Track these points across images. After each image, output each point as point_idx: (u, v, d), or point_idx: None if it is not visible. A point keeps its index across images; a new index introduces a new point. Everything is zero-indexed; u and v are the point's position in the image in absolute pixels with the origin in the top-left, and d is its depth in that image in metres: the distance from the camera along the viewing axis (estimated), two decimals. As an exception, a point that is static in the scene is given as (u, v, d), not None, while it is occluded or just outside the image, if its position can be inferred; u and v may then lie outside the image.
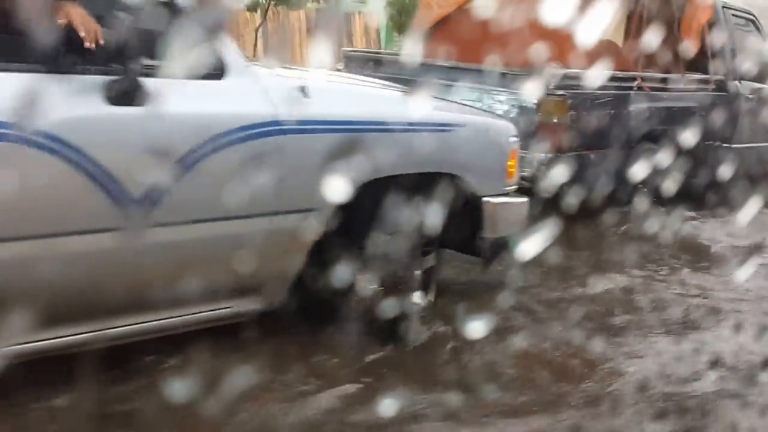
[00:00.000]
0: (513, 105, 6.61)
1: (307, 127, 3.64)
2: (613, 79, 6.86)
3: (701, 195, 7.81)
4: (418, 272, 4.38)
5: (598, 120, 6.64)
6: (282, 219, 3.58)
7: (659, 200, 7.50)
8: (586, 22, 7.42)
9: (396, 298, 4.13)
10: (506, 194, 4.71)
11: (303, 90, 3.68)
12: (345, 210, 3.73)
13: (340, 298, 3.95)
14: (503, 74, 6.66)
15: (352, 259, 3.86)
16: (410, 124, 4.05)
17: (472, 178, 4.44)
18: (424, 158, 4.08)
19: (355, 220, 3.87)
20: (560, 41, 6.98)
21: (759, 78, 8.76)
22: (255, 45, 15.05)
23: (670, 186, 7.62)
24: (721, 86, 8.18)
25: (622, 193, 7.27)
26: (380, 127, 3.89)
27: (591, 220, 6.61)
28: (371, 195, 3.81)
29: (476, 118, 4.68)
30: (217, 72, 3.46)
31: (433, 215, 4.14)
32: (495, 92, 6.64)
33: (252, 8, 15.24)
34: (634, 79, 7.03)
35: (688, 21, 7.88)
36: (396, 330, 4.13)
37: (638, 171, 7.31)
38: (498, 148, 4.59)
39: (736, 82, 8.37)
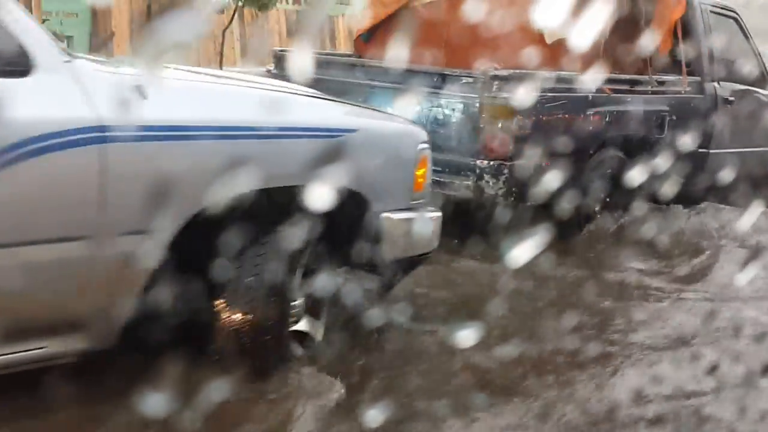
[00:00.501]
0: (454, 109, 5.99)
1: (139, 134, 3.02)
2: (568, 80, 6.22)
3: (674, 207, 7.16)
4: (300, 299, 3.77)
5: (551, 125, 6.00)
6: (106, 243, 2.97)
7: (626, 213, 6.85)
8: (543, 20, 6.83)
9: (266, 329, 3.52)
10: (413, 209, 4.08)
11: (139, 90, 3.06)
12: (197, 230, 3.13)
13: (200, 332, 3.36)
14: (444, 76, 6.04)
15: (204, 287, 3.26)
16: (283, 129, 3.44)
17: (367, 190, 3.82)
18: (301, 169, 3.46)
19: (209, 242, 3.27)
20: (515, 41, 6.37)
21: (741, 79, 8.08)
22: (222, 47, 14.47)
23: (639, 196, 7.00)
24: (697, 88, 7.51)
25: (584, 205, 6.63)
26: (240, 133, 3.28)
27: (542, 238, 5.96)
28: (229, 212, 3.20)
29: (374, 122, 4.07)
30: (19, 68, 2.85)
31: (313, 233, 3.54)
32: (435, 95, 6.02)
33: (220, 11, 14.64)
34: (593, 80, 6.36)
35: (659, 19, 7.22)
36: (265, 367, 3.53)
37: (601, 181, 6.68)
38: (401, 156, 3.98)
39: (714, 84, 7.71)
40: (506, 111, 5.80)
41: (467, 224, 6.04)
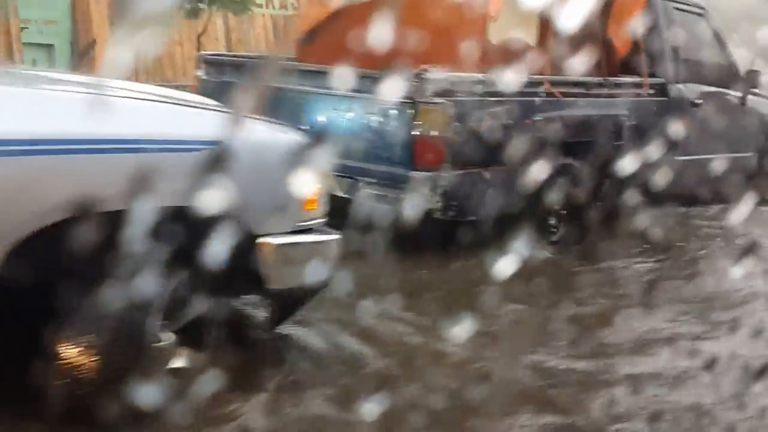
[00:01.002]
0: (385, 115, 5.39)
1: None
2: (512, 83, 5.60)
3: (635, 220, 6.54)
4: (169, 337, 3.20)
5: (492, 132, 5.41)
6: None
7: (582, 228, 6.25)
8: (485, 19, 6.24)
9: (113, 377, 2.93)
10: (303, 232, 3.49)
11: None
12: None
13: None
14: (373, 78, 5.42)
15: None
16: (113, 142, 2.83)
17: (236, 212, 3.20)
18: (140, 188, 2.85)
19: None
20: (463, 42, 5.78)
21: (710, 81, 7.48)
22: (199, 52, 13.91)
23: (595, 208, 6.40)
24: (660, 91, 6.90)
25: (537, 218, 6.03)
26: (44, 147, 2.67)
27: (487, 258, 5.35)
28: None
29: (246, 132, 3.45)
30: None
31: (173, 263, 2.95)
32: (365, 100, 5.42)
33: (192, 15, 14.08)
34: (540, 83, 5.76)
35: (617, 16, 6.62)
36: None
37: (552, 191, 6.08)
38: (281, 172, 3.37)
39: (680, 86, 7.10)
40: (441, 116, 5.20)
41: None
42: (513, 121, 5.64)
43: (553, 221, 6.29)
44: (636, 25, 6.72)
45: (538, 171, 5.83)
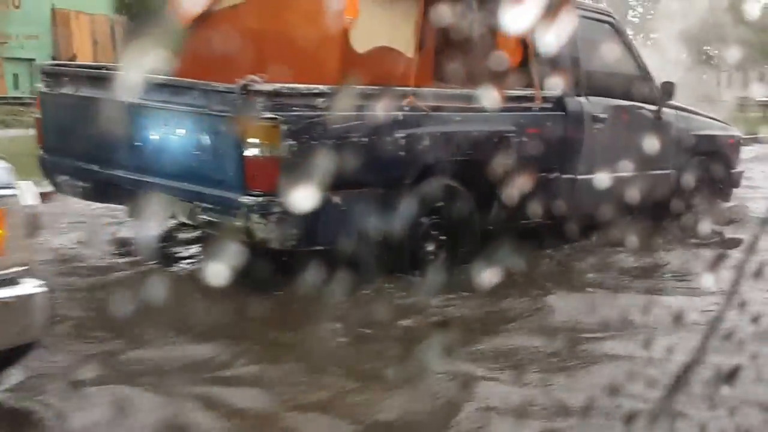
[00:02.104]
0: (216, 132, 4.71)
1: None
2: (366, 96, 4.92)
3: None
4: None
5: (340, 151, 4.73)
6: None
7: (466, 254, 5.57)
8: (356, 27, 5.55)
9: None
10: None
11: None
12: None
13: None
14: (204, 91, 4.78)
15: None
16: None
17: None
18: None
19: None
20: (314, 50, 5.10)
21: (618, 93, 6.76)
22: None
23: (476, 233, 5.70)
24: (556, 104, 6.19)
25: (407, 247, 5.35)
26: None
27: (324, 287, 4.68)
28: None
29: None
30: None
31: None
32: (194, 115, 4.74)
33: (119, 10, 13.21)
34: (402, 96, 5.06)
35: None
36: None
37: (429, 216, 5.39)
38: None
39: (581, 99, 6.39)
40: (273, 134, 4.52)
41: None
42: (367, 139, 4.93)
43: (430, 247, 5.57)
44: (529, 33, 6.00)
45: (403, 193, 5.15)
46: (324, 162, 4.74)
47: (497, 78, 5.95)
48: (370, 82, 5.19)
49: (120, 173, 5.21)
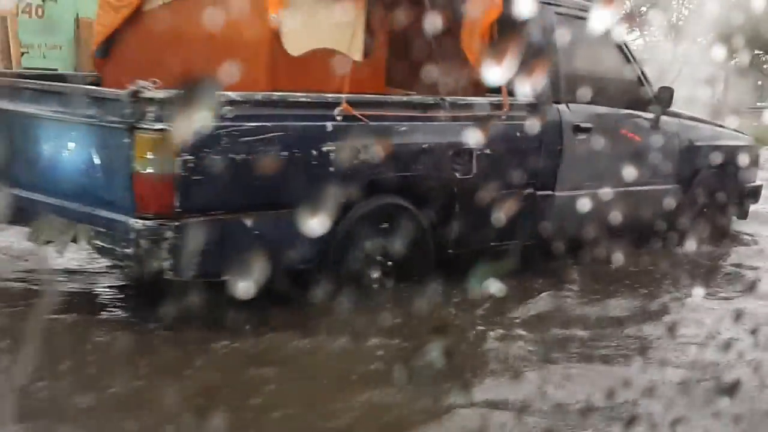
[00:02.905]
0: (104, 145, 4.09)
1: None
2: (287, 104, 4.27)
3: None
4: None
5: (253, 167, 4.08)
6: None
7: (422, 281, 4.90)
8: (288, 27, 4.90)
9: None
10: None
11: None
12: None
13: None
14: (94, 99, 4.15)
15: None
16: None
17: None
18: None
19: None
20: (237, 54, 4.48)
21: (608, 100, 6.01)
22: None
23: (427, 262, 5.02)
24: (530, 113, 5.46)
25: (338, 272, 4.69)
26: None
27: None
28: None
29: None
30: None
31: None
32: (80, 126, 4.12)
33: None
34: (334, 103, 4.38)
35: (470, 24, 5.22)
36: None
37: (374, 240, 4.74)
38: None
39: (559, 107, 5.66)
40: (167, 147, 3.87)
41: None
42: (286, 153, 4.26)
43: (375, 274, 4.88)
44: (491, 33, 5.30)
45: (336, 213, 4.46)
46: (231, 179, 4.09)
47: (460, 84, 5.27)
48: (308, 89, 4.54)
49: (17, 192, 4.60)
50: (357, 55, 5.06)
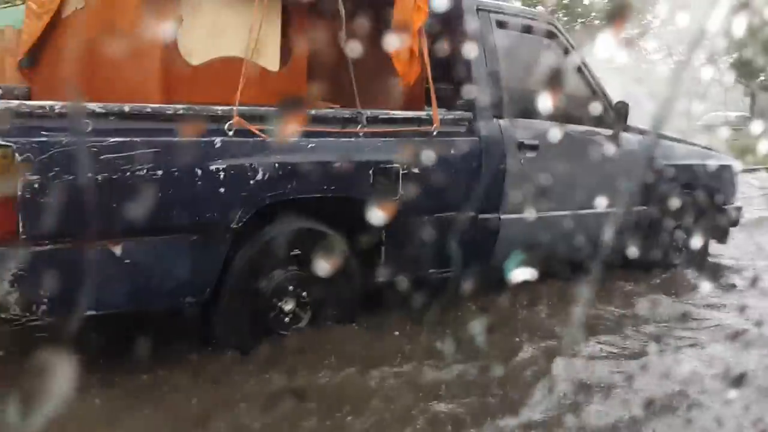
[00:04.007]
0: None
1: None
2: (167, 117, 3.68)
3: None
4: None
5: (119, 186, 3.47)
6: None
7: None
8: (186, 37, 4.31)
9: None
10: None
11: None
12: None
13: None
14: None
15: None
16: None
17: None
18: None
19: None
20: (139, 61, 3.92)
21: (559, 115, 5.36)
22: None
23: (351, 292, 4.42)
24: (465, 128, 4.86)
25: (239, 304, 4.11)
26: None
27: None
28: None
29: None
30: None
31: None
32: None
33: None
34: (223, 117, 3.79)
35: (398, 30, 4.62)
36: None
37: (281, 269, 4.14)
38: None
39: (500, 122, 5.04)
40: (3, 166, 3.26)
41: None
42: (161, 171, 3.66)
43: (288, 307, 4.27)
44: (419, 41, 4.70)
45: (228, 239, 3.87)
46: (91, 202, 3.48)
47: (386, 96, 4.67)
48: (214, 101, 3.95)
49: None
50: (272, 65, 4.46)
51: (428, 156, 4.69)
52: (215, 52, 4.24)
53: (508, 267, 4.52)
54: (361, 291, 4.59)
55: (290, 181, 4.14)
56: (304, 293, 4.38)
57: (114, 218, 3.57)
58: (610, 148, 5.70)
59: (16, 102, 3.47)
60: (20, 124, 3.37)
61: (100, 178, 3.54)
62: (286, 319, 4.35)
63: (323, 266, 4.23)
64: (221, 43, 4.28)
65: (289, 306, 4.35)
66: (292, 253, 4.30)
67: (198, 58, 4.25)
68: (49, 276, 3.41)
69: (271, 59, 4.45)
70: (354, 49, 4.42)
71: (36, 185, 3.39)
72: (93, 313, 3.62)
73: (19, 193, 3.37)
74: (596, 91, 5.74)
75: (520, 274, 4.44)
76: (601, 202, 5.44)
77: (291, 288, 4.34)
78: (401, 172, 4.56)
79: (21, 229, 3.37)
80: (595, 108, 5.67)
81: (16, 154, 3.35)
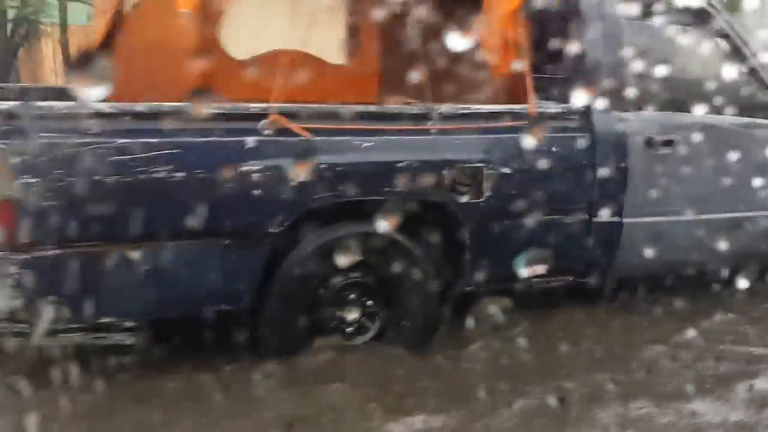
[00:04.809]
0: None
1: None
2: (189, 117, 3.42)
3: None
4: None
5: (134, 189, 3.25)
6: None
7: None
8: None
9: None
10: None
11: None
12: None
13: None
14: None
15: None
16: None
17: None
18: None
19: None
20: (174, 58, 3.75)
21: (702, 105, 4.54)
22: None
23: (426, 302, 4.00)
24: (581, 122, 4.21)
25: (289, 312, 3.79)
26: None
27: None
28: None
29: None
30: None
31: None
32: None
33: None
34: (262, 114, 3.46)
35: (486, 14, 4.10)
36: None
37: (328, 277, 3.78)
38: None
39: (623, 114, 4.31)
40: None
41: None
42: (186, 173, 3.38)
43: (351, 316, 3.87)
44: (513, 27, 4.11)
45: (268, 244, 3.55)
46: (100, 205, 3.25)
47: (476, 89, 4.13)
48: (267, 99, 3.63)
49: None
50: (337, 58, 4.04)
51: (523, 153, 4.06)
52: (266, 45, 3.88)
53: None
54: (436, 302, 4.04)
55: (335, 182, 3.69)
56: (369, 302, 3.92)
57: (130, 222, 3.31)
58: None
59: (14, 103, 3.27)
60: (19, 125, 3.17)
61: (108, 181, 3.28)
62: (349, 329, 3.90)
63: (388, 273, 3.78)
64: (275, 36, 3.90)
65: (352, 316, 3.91)
66: (353, 260, 3.85)
67: (245, 53, 3.91)
68: (60, 280, 3.21)
69: (334, 52, 4.01)
70: (434, 37, 3.90)
71: (35, 189, 3.19)
72: (109, 320, 3.38)
73: (17, 196, 3.17)
74: (753, 69, 4.77)
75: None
76: (752, 205, 4.56)
77: (353, 296, 3.89)
78: (486, 171, 3.96)
79: (16, 235, 3.18)
80: (753, 96, 4.72)
81: (11, 156, 3.15)
